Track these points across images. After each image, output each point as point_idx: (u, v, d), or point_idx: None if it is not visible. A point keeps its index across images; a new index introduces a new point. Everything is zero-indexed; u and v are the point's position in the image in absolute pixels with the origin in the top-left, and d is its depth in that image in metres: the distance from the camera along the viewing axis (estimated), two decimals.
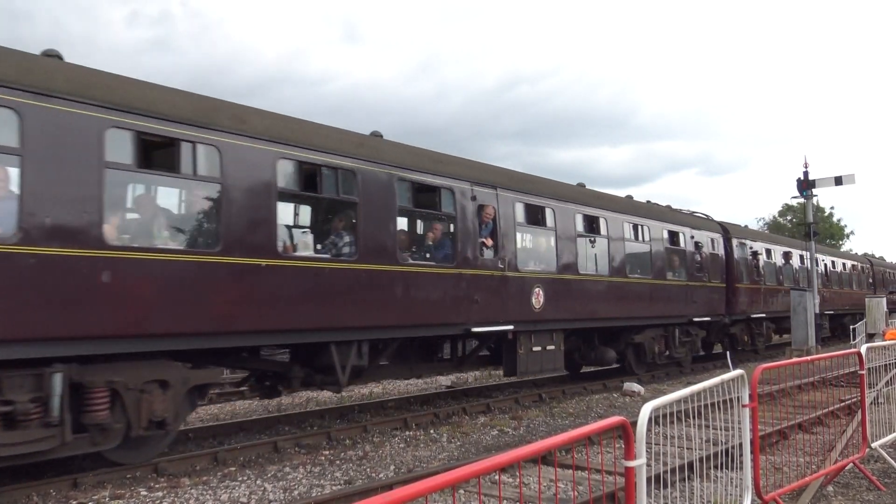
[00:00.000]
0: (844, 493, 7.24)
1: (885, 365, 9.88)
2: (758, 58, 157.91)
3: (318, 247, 10.37)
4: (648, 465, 5.78)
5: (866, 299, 30.73)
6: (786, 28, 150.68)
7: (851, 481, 7.63)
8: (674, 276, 18.18)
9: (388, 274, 10.39)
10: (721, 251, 20.87)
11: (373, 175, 10.38)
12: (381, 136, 11.46)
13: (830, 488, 7.38)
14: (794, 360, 8.36)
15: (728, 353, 18.14)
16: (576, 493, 7.21)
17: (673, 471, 7.08)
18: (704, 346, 22.28)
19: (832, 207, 65.66)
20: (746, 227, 25.61)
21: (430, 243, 11.83)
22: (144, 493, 7.58)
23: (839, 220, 66.33)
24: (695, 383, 5.36)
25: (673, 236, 18.39)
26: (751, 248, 22.75)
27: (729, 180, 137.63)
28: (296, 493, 7.62)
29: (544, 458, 7.79)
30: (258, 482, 8.01)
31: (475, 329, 11.82)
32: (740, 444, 5.82)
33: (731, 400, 5.81)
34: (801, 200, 25.32)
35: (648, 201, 19.45)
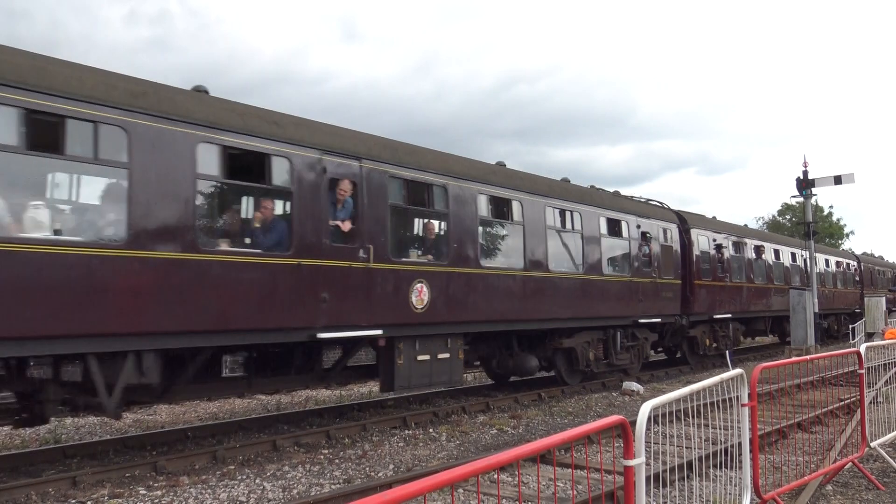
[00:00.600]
0: (843, 493, 7.24)
1: (885, 364, 9.89)
2: (756, 57, 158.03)
3: (71, 226, 7.98)
4: (648, 464, 5.78)
5: (866, 298, 30.75)
6: (784, 27, 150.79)
7: (850, 480, 7.63)
8: (614, 271, 15.97)
9: (184, 264, 8.05)
10: (676, 243, 18.58)
11: (155, 135, 7.89)
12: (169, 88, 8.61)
13: (829, 487, 7.38)
14: (794, 359, 8.36)
15: (727, 352, 18.14)
16: (575, 492, 7.20)
17: (672, 470, 7.08)
18: (669, 352, 21.00)
19: (831, 207, 65.72)
20: (715, 218, 23.23)
21: (258, 226, 9.32)
22: (143, 491, 7.58)
23: (839, 220, 66.38)
24: (694, 383, 5.36)
25: (613, 225, 16.15)
26: (714, 240, 20.69)
27: (727, 179, 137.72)
28: (295, 491, 7.62)
29: (543, 457, 7.80)
30: (257, 481, 8.01)
31: (323, 335, 9.46)
32: (739, 444, 5.82)
33: (730, 399, 5.81)
34: (801, 200, 25.31)
35: (593, 186, 17.36)
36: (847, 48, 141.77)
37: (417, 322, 10.84)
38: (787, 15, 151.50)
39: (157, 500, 7.31)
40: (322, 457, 9.22)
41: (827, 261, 32.07)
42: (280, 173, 9.21)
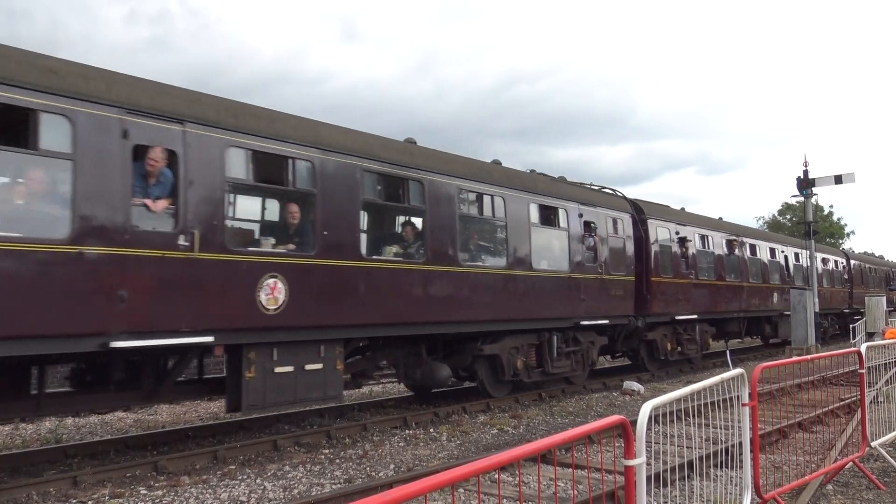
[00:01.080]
0: (844, 492, 7.23)
1: (885, 364, 9.88)
2: (756, 57, 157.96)
3: None
4: (648, 463, 5.78)
5: (866, 298, 30.69)
6: (785, 27, 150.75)
7: (851, 480, 7.63)
8: (549, 266, 13.96)
9: None
10: (630, 236, 16.64)
11: None
12: None
13: (830, 487, 7.38)
14: (794, 359, 8.36)
15: (728, 352, 18.12)
16: (575, 491, 7.21)
17: (673, 469, 7.09)
18: (631, 358, 18.97)
19: (831, 206, 65.72)
20: (684, 209, 21.42)
21: (21, 202, 7.24)
22: (144, 491, 7.58)
23: (839, 220, 66.39)
24: (695, 382, 5.36)
25: (548, 213, 14.16)
26: (677, 233, 18.65)
27: (727, 179, 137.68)
28: (295, 491, 7.62)
29: (544, 457, 7.80)
30: (258, 481, 8.02)
31: (118, 344, 7.52)
32: (740, 443, 5.82)
33: (730, 399, 5.82)
34: (801, 199, 25.29)
35: (533, 171, 15.48)
36: (847, 48, 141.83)
37: (274, 326, 8.93)
38: (787, 15, 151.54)
39: (157, 500, 7.31)
40: (323, 457, 9.23)
41: (825, 260, 30.60)
42: (55, 135, 7.21)
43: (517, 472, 7.57)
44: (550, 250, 14.20)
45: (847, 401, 11.51)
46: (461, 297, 11.77)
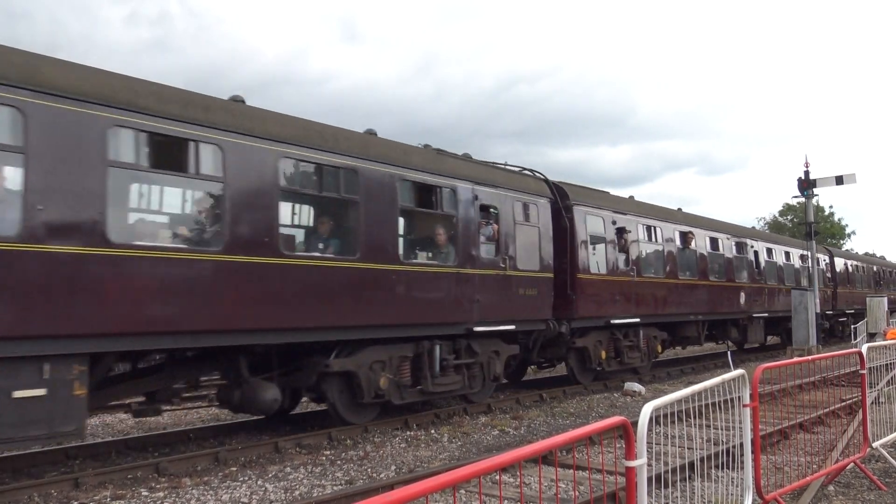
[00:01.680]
0: (845, 493, 7.23)
1: (887, 364, 9.88)
2: (757, 57, 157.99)
3: None
4: (649, 464, 5.78)
5: (867, 298, 30.63)
6: (785, 26, 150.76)
7: (852, 481, 7.63)
8: (428, 259, 11.75)
9: None
10: (547, 223, 13.92)
11: None
12: None
13: (831, 488, 7.38)
14: (795, 359, 8.37)
15: (728, 352, 18.09)
16: (577, 492, 7.21)
17: (674, 470, 7.08)
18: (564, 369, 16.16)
19: (831, 207, 65.72)
20: (629, 197, 18.74)
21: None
22: (146, 493, 7.59)
23: (840, 220, 66.39)
24: (696, 383, 5.36)
25: (426, 193, 11.48)
26: (614, 222, 16.07)
27: (728, 180, 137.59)
28: (297, 493, 7.63)
29: (545, 458, 7.79)
30: (259, 482, 8.02)
31: None
32: (741, 444, 5.82)
33: (731, 400, 5.82)
34: (802, 200, 25.29)
35: (427, 146, 12.42)
36: (848, 48, 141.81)
37: None
38: (787, 14, 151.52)
39: (159, 502, 7.32)
40: (324, 458, 9.23)
41: (787, 253, 26.28)
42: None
43: (518, 474, 7.55)
44: (430, 239, 11.86)
45: (848, 401, 11.51)
46: (286, 297, 9.09)
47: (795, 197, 25.71)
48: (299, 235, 10.56)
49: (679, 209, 21.03)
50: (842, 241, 64.01)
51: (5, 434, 6.75)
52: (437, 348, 11.47)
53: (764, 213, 78.43)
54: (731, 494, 5.83)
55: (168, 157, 8.31)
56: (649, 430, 4.22)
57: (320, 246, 10.19)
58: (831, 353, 9.06)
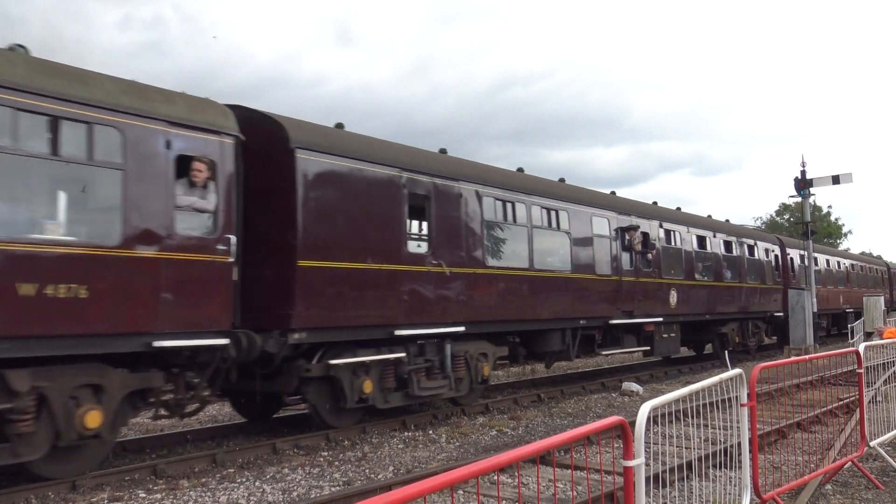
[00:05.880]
0: (843, 492, 7.24)
1: (884, 364, 9.89)
2: (752, 58, 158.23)
3: None
4: (647, 464, 5.78)
5: (864, 298, 30.66)
6: (780, 27, 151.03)
7: (850, 480, 7.64)
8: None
9: None
10: (228, 175, 8.87)
11: None
12: None
13: (829, 487, 7.39)
14: (793, 359, 8.37)
15: (726, 352, 18.05)
16: (574, 493, 7.20)
17: (672, 470, 7.09)
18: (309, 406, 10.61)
19: (829, 206, 65.83)
20: (421, 149, 12.64)
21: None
22: (143, 495, 7.57)
23: (837, 219, 66.51)
24: (693, 383, 5.37)
25: None
26: (404, 184, 11.03)
27: (722, 180, 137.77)
28: (294, 494, 7.62)
29: (543, 459, 7.79)
30: (257, 484, 8.01)
31: None
32: (739, 444, 5.82)
33: (729, 399, 5.82)
34: (799, 200, 25.33)
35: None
36: (843, 48, 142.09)
37: None
38: (783, 15, 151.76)
39: (156, 503, 7.31)
40: (322, 459, 9.22)
41: (753, 247, 22.95)
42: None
43: (516, 474, 7.56)
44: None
45: (846, 400, 11.53)
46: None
47: (792, 197, 25.76)
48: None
49: (562, 179, 16.03)
50: (839, 241, 64.14)
51: None
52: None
53: (760, 213, 78.62)
54: (729, 494, 5.83)
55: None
56: (647, 429, 4.22)
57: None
58: (829, 352, 9.07)
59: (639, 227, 16.80)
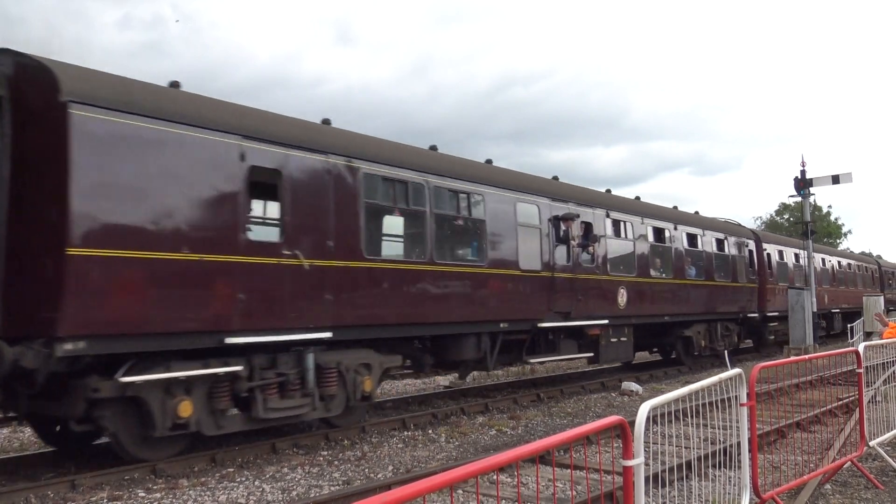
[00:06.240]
0: (842, 492, 7.24)
1: (883, 363, 9.89)
2: (752, 58, 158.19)
3: None
4: (647, 464, 5.79)
5: (864, 298, 30.57)
6: (780, 27, 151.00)
7: (849, 480, 7.64)
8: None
9: None
10: None
11: None
12: None
13: (828, 487, 7.39)
14: (792, 358, 8.38)
15: (726, 351, 18.00)
16: (574, 492, 7.21)
17: (671, 470, 7.09)
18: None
19: (829, 206, 65.85)
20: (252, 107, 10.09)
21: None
22: (143, 494, 7.57)
23: (836, 219, 66.54)
24: (693, 383, 5.37)
25: None
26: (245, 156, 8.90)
27: (721, 180, 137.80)
28: (294, 493, 7.62)
29: (542, 458, 7.80)
30: (256, 483, 8.01)
31: None
32: (738, 443, 5.82)
33: (729, 399, 5.82)
34: (799, 199, 25.33)
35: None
36: (843, 48, 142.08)
37: None
38: (783, 15, 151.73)
39: (156, 503, 7.30)
40: (321, 458, 9.22)
41: (692, 237, 19.26)
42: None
43: (516, 473, 7.56)
44: None
45: (845, 400, 11.53)
46: None
47: (792, 196, 25.76)
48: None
49: (490, 161, 14.17)
50: (838, 241, 64.16)
51: None
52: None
53: (760, 212, 78.66)
54: (729, 493, 5.83)
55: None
56: (647, 429, 4.22)
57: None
58: (828, 352, 9.07)
59: (577, 215, 14.59)
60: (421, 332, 11.60)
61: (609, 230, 15.87)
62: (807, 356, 8.33)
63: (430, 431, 11.01)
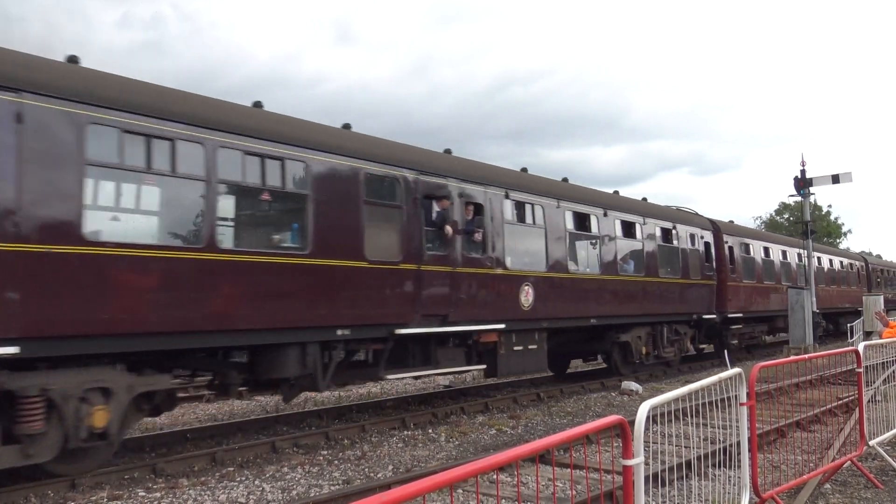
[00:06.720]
0: (842, 491, 7.24)
1: (883, 363, 9.89)
2: (751, 57, 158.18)
3: None
4: (647, 463, 5.79)
5: (864, 297, 30.52)
6: (780, 27, 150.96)
7: (849, 479, 7.64)
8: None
9: None
10: None
11: None
12: None
13: (828, 486, 7.39)
14: (792, 358, 8.38)
15: (726, 351, 17.97)
16: (574, 491, 7.21)
17: (671, 469, 7.09)
18: None
19: (829, 206, 65.81)
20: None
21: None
22: (143, 493, 7.57)
23: (836, 219, 66.52)
24: (692, 382, 5.37)
25: None
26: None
27: (721, 179, 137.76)
28: (294, 493, 7.62)
29: (542, 458, 7.80)
30: (256, 482, 8.01)
31: None
32: (738, 443, 5.82)
33: (728, 398, 5.82)
34: (799, 199, 25.31)
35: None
36: (843, 48, 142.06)
37: None
38: (782, 15, 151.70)
39: (156, 502, 7.30)
40: (321, 458, 9.22)
41: (627, 226, 16.49)
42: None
43: (516, 473, 7.56)
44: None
45: (845, 400, 11.53)
46: None
47: (792, 196, 25.73)
48: None
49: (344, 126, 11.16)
50: (838, 241, 64.15)
51: None
52: None
53: (760, 212, 78.64)
54: (729, 493, 5.84)
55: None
56: (646, 428, 4.22)
57: None
58: (828, 351, 9.07)
59: (457, 194, 11.95)
60: (202, 343, 8.62)
61: (510, 214, 13.14)
62: (806, 356, 8.33)
63: (429, 431, 11.01)
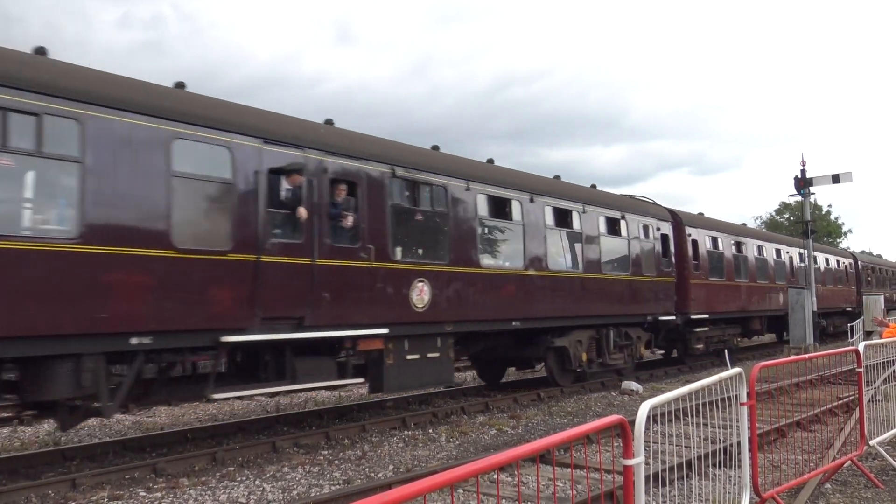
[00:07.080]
0: (843, 491, 7.25)
1: (883, 363, 9.89)
2: (751, 57, 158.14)
3: None
4: (647, 463, 5.79)
5: (864, 297, 30.51)
6: (780, 27, 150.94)
7: (849, 479, 7.64)
8: None
9: None
10: None
11: None
12: None
13: (828, 486, 7.39)
14: (792, 357, 8.38)
15: (726, 351, 17.95)
16: (574, 491, 7.21)
17: (671, 469, 7.09)
18: None
19: (829, 205, 65.79)
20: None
21: None
22: (143, 493, 7.58)
23: (836, 218, 66.51)
24: (693, 382, 5.37)
25: None
26: None
27: (721, 179, 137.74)
28: (294, 493, 7.62)
29: (543, 457, 7.80)
30: (257, 482, 8.01)
31: None
32: (739, 443, 5.82)
33: (729, 398, 5.82)
34: (799, 199, 25.31)
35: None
36: (843, 48, 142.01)
37: None
38: (782, 15, 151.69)
39: (156, 502, 7.31)
40: (322, 458, 9.22)
41: (561, 214, 14.47)
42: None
43: (516, 473, 7.56)
44: None
45: (845, 399, 11.53)
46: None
47: (792, 196, 25.73)
48: None
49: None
50: (838, 240, 64.13)
51: None
52: None
53: (760, 212, 78.61)
54: (729, 493, 5.84)
55: None
56: (647, 428, 4.22)
57: None
58: (828, 351, 9.08)
59: (305, 167, 9.57)
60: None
61: (397, 196, 11.07)
62: (807, 355, 8.33)
63: (430, 431, 11.01)
